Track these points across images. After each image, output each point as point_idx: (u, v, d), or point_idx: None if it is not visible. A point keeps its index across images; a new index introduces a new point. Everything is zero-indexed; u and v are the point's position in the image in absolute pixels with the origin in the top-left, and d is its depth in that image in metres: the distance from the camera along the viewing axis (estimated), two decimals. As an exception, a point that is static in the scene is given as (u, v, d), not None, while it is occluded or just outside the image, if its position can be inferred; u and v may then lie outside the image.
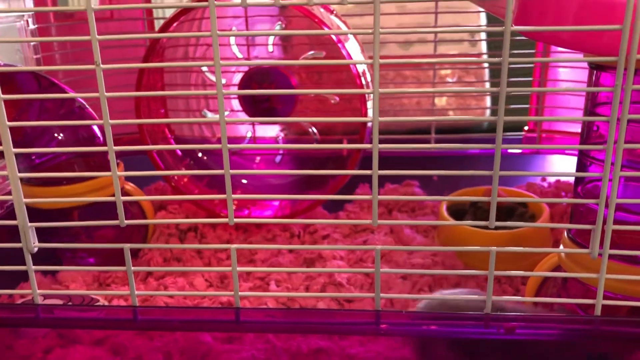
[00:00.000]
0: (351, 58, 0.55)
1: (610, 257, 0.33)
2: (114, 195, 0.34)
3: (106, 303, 0.47)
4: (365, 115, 0.56)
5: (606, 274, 0.33)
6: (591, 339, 0.34)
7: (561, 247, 0.42)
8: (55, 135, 0.52)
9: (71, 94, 0.32)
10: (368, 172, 0.33)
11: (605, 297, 0.34)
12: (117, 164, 0.56)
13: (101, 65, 0.32)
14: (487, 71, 0.88)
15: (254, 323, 0.36)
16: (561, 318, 0.35)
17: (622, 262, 0.37)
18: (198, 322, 0.36)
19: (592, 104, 0.39)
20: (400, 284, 0.52)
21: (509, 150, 0.75)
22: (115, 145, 0.34)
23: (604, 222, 0.32)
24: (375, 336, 0.36)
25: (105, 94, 0.33)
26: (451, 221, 0.57)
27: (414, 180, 0.70)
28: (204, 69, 0.63)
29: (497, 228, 0.50)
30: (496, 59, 0.30)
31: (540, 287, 0.45)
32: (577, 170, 0.41)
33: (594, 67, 0.38)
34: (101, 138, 0.54)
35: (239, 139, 0.69)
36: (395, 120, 0.34)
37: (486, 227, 0.33)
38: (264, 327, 0.36)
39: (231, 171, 0.34)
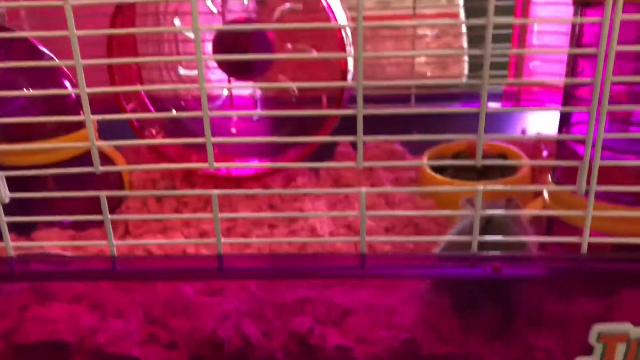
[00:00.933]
0: (331, 8, 0.54)
1: (594, 197, 0.33)
2: (87, 152, 0.33)
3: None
4: (346, 67, 0.55)
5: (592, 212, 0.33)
6: (578, 276, 0.34)
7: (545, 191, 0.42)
8: (24, 90, 0.50)
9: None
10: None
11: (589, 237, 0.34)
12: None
13: (70, 1, 0.31)
14: (465, 37, 0.87)
15: (237, 270, 0.35)
16: (548, 256, 0.35)
17: (606, 201, 0.37)
18: (180, 271, 0.35)
19: (578, 44, 0.38)
20: (384, 236, 0.51)
21: (489, 104, 0.74)
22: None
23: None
24: (360, 280, 0.36)
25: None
26: (435, 176, 0.57)
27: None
28: (177, 22, 0.61)
29: (479, 181, 0.50)
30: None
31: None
32: (562, 113, 0.41)
33: (580, 3, 0.37)
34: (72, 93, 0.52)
35: (214, 97, 0.67)
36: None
37: (468, 179, 0.33)
38: (248, 274, 0.35)
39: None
